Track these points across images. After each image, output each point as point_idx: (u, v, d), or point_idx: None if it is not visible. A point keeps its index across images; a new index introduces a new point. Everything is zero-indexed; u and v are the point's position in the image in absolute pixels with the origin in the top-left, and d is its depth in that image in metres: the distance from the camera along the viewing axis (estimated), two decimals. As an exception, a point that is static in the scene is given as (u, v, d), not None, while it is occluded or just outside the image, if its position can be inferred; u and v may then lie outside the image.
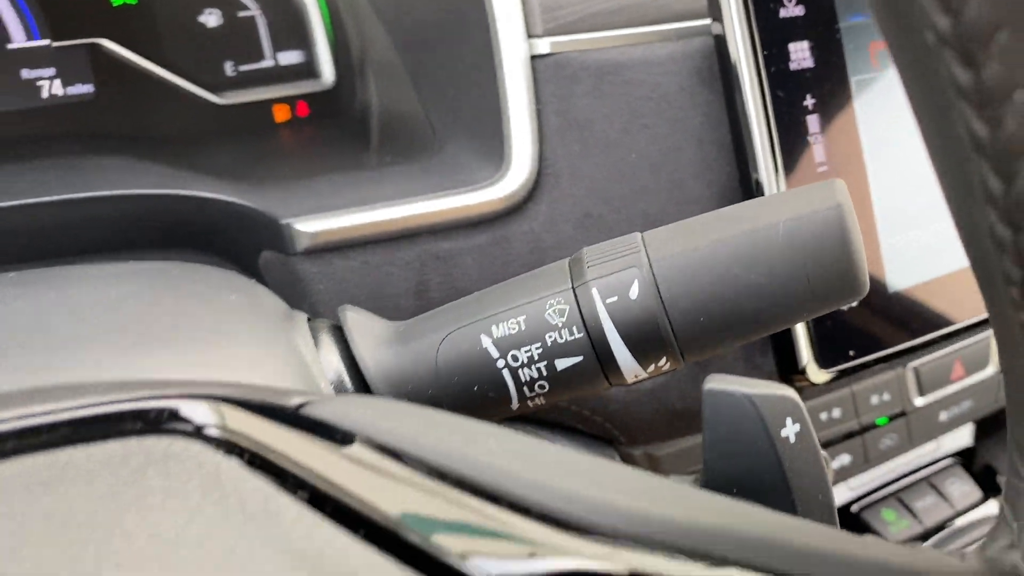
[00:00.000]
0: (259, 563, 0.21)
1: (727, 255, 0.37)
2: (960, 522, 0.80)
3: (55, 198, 0.53)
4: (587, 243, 0.42)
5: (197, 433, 0.26)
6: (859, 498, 0.79)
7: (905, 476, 0.82)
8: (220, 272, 0.46)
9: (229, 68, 0.71)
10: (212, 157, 0.64)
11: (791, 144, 0.60)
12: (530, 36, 0.57)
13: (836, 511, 0.33)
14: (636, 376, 0.40)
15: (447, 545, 0.22)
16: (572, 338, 0.39)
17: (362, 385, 0.41)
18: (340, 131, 0.71)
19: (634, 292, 0.38)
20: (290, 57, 0.73)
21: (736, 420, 0.31)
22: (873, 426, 0.73)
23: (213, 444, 0.25)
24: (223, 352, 0.34)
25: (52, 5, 0.64)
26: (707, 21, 0.61)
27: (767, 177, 0.59)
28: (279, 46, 0.73)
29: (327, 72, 0.74)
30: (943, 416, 0.77)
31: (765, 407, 0.31)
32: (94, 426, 0.26)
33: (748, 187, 0.60)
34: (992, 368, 0.78)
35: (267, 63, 0.73)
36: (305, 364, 0.38)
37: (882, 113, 0.63)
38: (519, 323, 0.39)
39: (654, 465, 0.63)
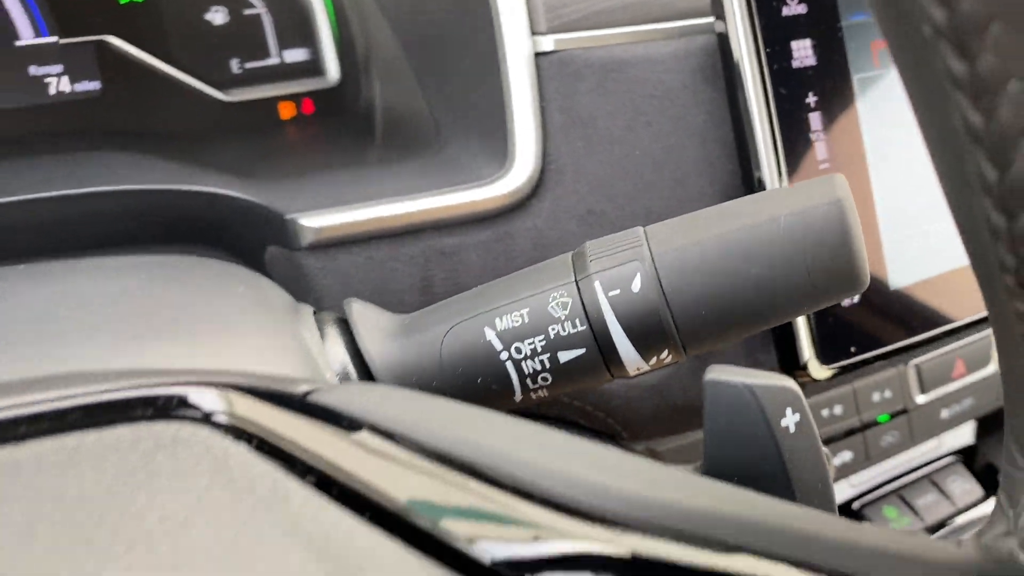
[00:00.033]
0: (268, 544, 0.22)
1: (729, 249, 0.38)
2: (961, 519, 0.81)
3: (62, 193, 0.53)
4: (590, 239, 0.43)
5: (205, 419, 0.26)
6: (860, 495, 0.79)
7: (907, 473, 0.82)
8: (227, 265, 0.46)
9: (235, 65, 0.72)
10: (218, 153, 0.65)
11: (793, 141, 0.60)
12: (534, 33, 0.58)
13: (835, 500, 0.34)
14: (638, 369, 0.40)
15: (455, 530, 0.23)
16: (575, 331, 0.39)
17: (367, 377, 0.41)
18: (345, 128, 0.72)
19: (636, 285, 0.38)
20: (295, 55, 0.74)
21: (736, 410, 0.32)
22: (874, 423, 0.73)
23: (221, 430, 0.26)
24: (230, 342, 0.34)
25: (60, 2, 0.65)
26: (710, 19, 0.61)
27: (769, 174, 0.59)
28: (285, 44, 0.73)
29: (332, 70, 0.74)
30: (944, 414, 0.78)
31: (765, 397, 0.32)
32: (104, 412, 0.26)
33: (750, 184, 0.60)
34: (993, 366, 0.78)
35: (273, 61, 0.73)
36: (311, 355, 0.38)
37: (884, 111, 0.63)
38: (522, 316, 0.40)
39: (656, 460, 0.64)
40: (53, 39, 0.66)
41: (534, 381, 0.40)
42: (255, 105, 0.72)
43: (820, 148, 0.61)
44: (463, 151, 0.62)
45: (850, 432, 0.72)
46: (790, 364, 0.62)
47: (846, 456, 0.73)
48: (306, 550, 0.22)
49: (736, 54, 0.59)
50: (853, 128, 0.62)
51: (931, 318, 0.66)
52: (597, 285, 0.39)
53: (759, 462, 0.32)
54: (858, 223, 0.37)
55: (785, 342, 0.61)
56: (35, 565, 0.21)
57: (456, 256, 0.56)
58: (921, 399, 0.75)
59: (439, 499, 0.24)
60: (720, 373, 0.32)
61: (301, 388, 0.28)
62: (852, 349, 0.62)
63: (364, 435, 0.26)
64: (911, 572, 0.25)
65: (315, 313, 0.44)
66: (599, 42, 0.59)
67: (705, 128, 0.61)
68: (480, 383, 0.40)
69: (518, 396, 0.41)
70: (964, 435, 0.85)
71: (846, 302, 0.62)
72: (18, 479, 0.23)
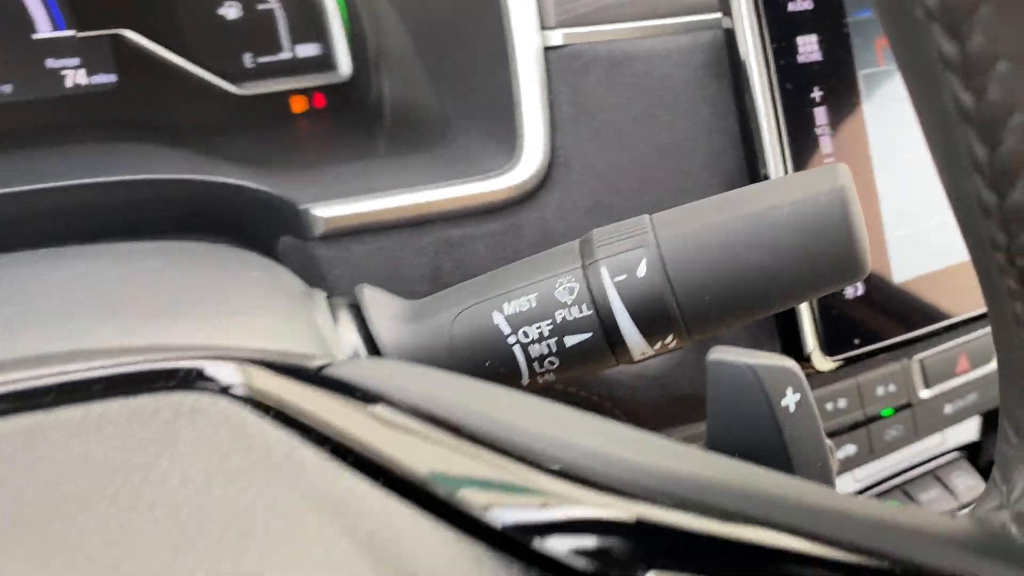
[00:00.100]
0: (285, 506, 0.23)
1: (733, 235, 0.39)
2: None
3: (77, 182, 0.54)
4: (597, 229, 0.43)
5: (223, 391, 0.27)
6: (865, 489, 0.79)
7: (910, 469, 0.83)
8: (241, 252, 0.47)
9: (248, 60, 0.73)
10: (231, 146, 0.66)
11: (799, 136, 0.61)
12: (543, 28, 0.58)
13: (834, 478, 0.34)
14: (643, 353, 0.41)
15: (472, 499, 0.24)
16: (581, 315, 0.40)
17: (378, 359, 0.42)
18: (356, 122, 0.73)
19: (642, 271, 0.39)
20: (308, 50, 0.75)
21: (738, 389, 0.33)
22: (878, 417, 0.74)
23: (239, 401, 0.27)
24: (245, 323, 0.35)
25: (77, -4, 0.66)
26: (717, 15, 0.62)
27: (775, 168, 0.60)
28: (297, 39, 0.74)
29: (344, 64, 0.75)
30: (948, 409, 0.78)
31: (766, 377, 0.32)
32: (126, 383, 0.27)
33: (755, 177, 0.61)
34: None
35: (285, 55, 0.74)
36: (323, 338, 0.39)
37: (889, 107, 0.64)
38: (530, 301, 0.41)
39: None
40: (70, 32, 0.67)
41: (541, 365, 0.41)
42: (267, 99, 0.73)
43: (825, 142, 0.62)
44: (472, 144, 0.63)
45: (854, 426, 0.73)
46: (794, 356, 0.62)
47: (850, 449, 0.73)
48: (322, 512, 0.23)
49: (742, 49, 0.60)
50: (858, 123, 0.63)
51: (935, 312, 0.67)
52: (603, 271, 0.40)
53: (760, 440, 0.33)
54: (860, 211, 0.38)
55: (789, 334, 0.62)
56: (64, 520, 0.21)
57: (465, 247, 0.57)
58: (925, 394, 0.75)
59: (457, 470, 0.25)
60: (723, 353, 0.33)
61: (316, 362, 0.29)
62: (856, 341, 0.63)
63: (380, 408, 0.27)
64: (906, 542, 0.25)
65: (328, 298, 0.45)
66: (607, 37, 0.60)
67: (711, 122, 0.62)
68: (488, 366, 0.41)
69: (525, 379, 0.42)
70: (968, 431, 0.85)
71: (850, 295, 0.62)
72: (48, 442, 0.24)
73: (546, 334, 0.40)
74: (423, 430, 0.26)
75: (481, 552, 0.23)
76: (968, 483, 0.84)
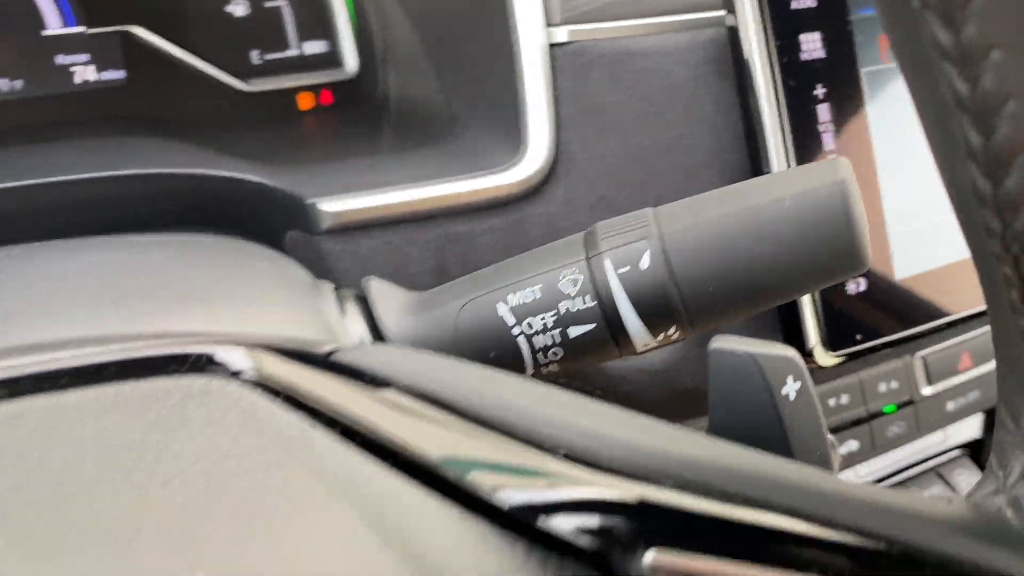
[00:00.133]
0: (295, 484, 0.23)
1: (735, 228, 0.39)
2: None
3: (86, 176, 0.55)
4: (601, 224, 0.44)
5: (233, 376, 0.28)
6: (867, 485, 0.80)
7: (913, 466, 0.83)
8: (249, 244, 0.48)
9: (255, 56, 0.73)
10: (238, 142, 0.66)
11: (801, 132, 0.61)
12: (549, 24, 0.59)
13: (832, 464, 0.35)
14: (646, 345, 0.42)
15: (482, 482, 0.24)
16: (585, 307, 0.41)
17: (384, 350, 0.42)
18: (363, 118, 0.73)
19: (645, 262, 0.40)
20: (315, 47, 0.75)
21: (739, 377, 0.33)
22: (881, 413, 0.74)
23: (248, 385, 0.27)
24: (253, 312, 0.36)
25: (87, -7, 0.67)
26: (721, 12, 0.62)
27: (778, 164, 0.60)
28: (304, 36, 0.75)
29: (351, 61, 0.76)
30: (951, 406, 0.78)
31: (767, 365, 0.33)
32: (137, 367, 0.28)
33: (758, 173, 0.62)
34: (999, 359, 0.79)
35: (292, 52, 0.75)
36: (330, 328, 0.40)
37: (891, 104, 0.64)
38: (534, 292, 0.41)
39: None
40: (80, 29, 0.68)
41: (545, 355, 0.42)
42: (275, 95, 0.73)
43: (828, 139, 0.62)
44: (478, 140, 0.63)
45: (857, 422, 0.73)
46: (796, 351, 0.63)
47: (852, 445, 0.74)
48: (331, 490, 0.23)
49: (746, 47, 0.61)
50: (860, 120, 0.63)
51: (937, 309, 0.67)
52: (607, 262, 0.40)
53: (760, 427, 0.33)
54: (861, 204, 0.39)
55: (791, 329, 0.62)
56: (81, 496, 0.22)
57: (470, 241, 0.58)
58: (927, 391, 0.75)
59: (467, 454, 0.26)
60: (724, 342, 0.34)
61: (324, 348, 0.30)
62: (858, 337, 0.63)
63: (388, 392, 0.27)
64: (903, 524, 0.26)
65: (335, 290, 0.45)
66: (612, 34, 0.60)
67: (715, 118, 0.62)
68: (493, 357, 0.42)
69: (529, 370, 0.42)
70: (971, 429, 0.86)
71: (852, 291, 0.63)
72: (64, 421, 0.24)
73: (550, 325, 0.41)
74: (431, 414, 0.27)
75: (487, 530, 0.23)
76: (970, 480, 0.84)
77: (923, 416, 0.77)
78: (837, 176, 0.39)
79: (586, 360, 0.42)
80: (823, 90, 0.62)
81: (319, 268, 0.56)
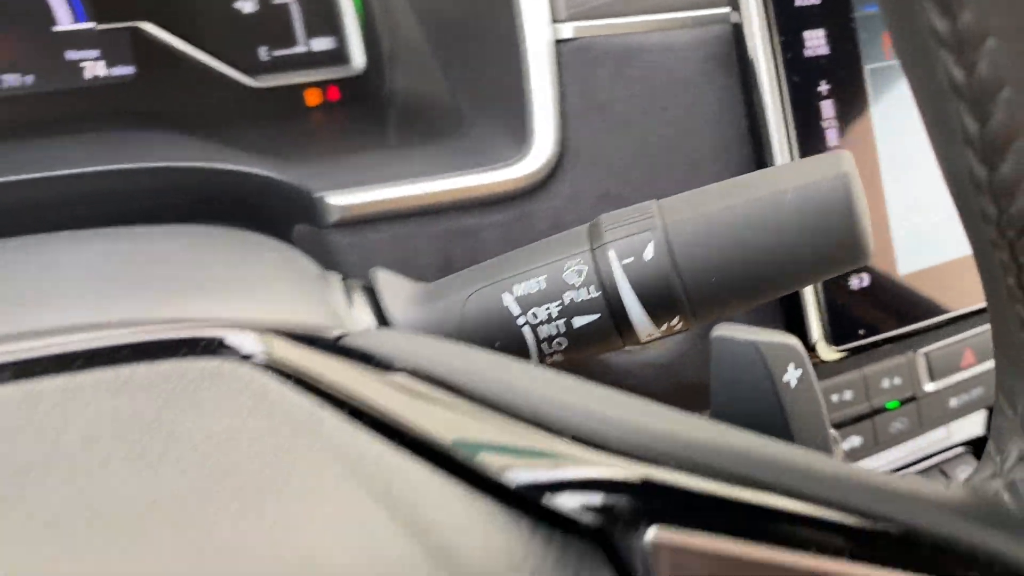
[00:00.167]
0: (305, 461, 0.24)
1: (738, 219, 0.39)
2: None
3: (95, 169, 0.56)
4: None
5: (244, 359, 0.28)
6: (870, 481, 0.80)
7: (916, 462, 0.83)
8: (257, 235, 0.48)
9: (263, 53, 0.74)
10: (246, 137, 0.67)
11: (805, 128, 0.62)
12: (555, 21, 0.59)
13: (832, 450, 0.35)
14: (649, 335, 0.42)
15: (490, 463, 0.25)
16: (589, 297, 0.41)
17: (391, 340, 0.43)
18: (370, 114, 0.74)
19: (649, 253, 0.40)
20: (322, 43, 0.76)
21: (741, 365, 0.34)
22: (883, 409, 0.74)
23: (259, 368, 0.28)
24: (262, 298, 0.36)
25: (97, -11, 0.67)
26: (726, 9, 0.63)
27: (782, 159, 0.61)
28: (312, 32, 0.75)
29: (358, 58, 0.76)
30: (953, 402, 0.79)
31: (769, 353, 0.33)
32: (150, 350, 0.28)
33: (763, 168, 0.62)
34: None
35: (300, 48, 0.75)
36: (338, 317, 0.40)
37: (894, 101, 0.65)
38: (539, 283, 0.42)
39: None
40: (90, 25, 0.68)
41: (550, 345, 0.42)
42: (282, 91, 0.74)
43: (831, 135, 0.63)
44: (484, 135, 0.64)
45: (859, 418, 0.73)
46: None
47: (855, 441, 0.74)
48: (340, 467, 0.24)
49: (750, 44, 0.61)
50: (864, 116, 0.64)
51: (939, 305, 0.67)
52: (611, 253, 0.41)
53: (762, 414, 0.34)
54: (862, 196, 0.39)
55: (794, 323, 0.63)
56: (97, 471, 0.23)
57: (476, 235, 0.58)
58: (930, 387, 0.76)
59: (476, 436, 0.26)
60: (727, 330, 0.34)
61: (333, 333, 0.30)
62: (860, 332, 0.64)
63: (397, 375, 0.28)
64: (901, 506, 0.26)
65: (342, 280, 0.46)
66: (618, 30, 0.61)
67: (719, 114, 0.63)
68: (498, 346, 0.42)
69: (534, 360, 0.43)
70: (974, 426, 0.86)
71: (855, 286, 0.63)
72: (80, 399, 0.25)
73: (555, 315, 0.41)
74: (440, 396, 0.27)
75: (493, 507, 0.24)
76: (973, 478, 0.85)
77: (926, 412, 0.77)
78: (839, 168, 0.39)
79: (590, 350, 0.43)
80: (827, 86, 0.62)
81: (326, 261, 0.56)
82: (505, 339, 0.42)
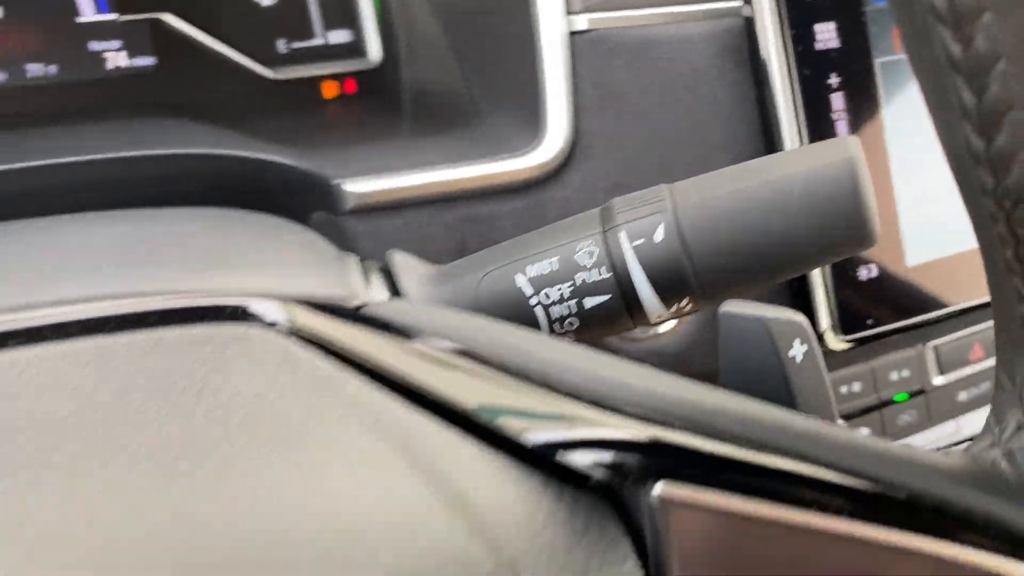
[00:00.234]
0: (328, 419, 0.25)
1: (747, 203, 0.40)
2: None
3: (117, 155, 0.57)
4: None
5: (269, 326, 0.30)
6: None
7: (925, 456, 0.84)
8: (275, 218, 0.49)
9: (282, 45, 0.75)
10: (264, 128, 0.68)
11: (816, 121, 0.63)
12: (569, 13, 0.61)
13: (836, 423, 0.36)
14: (659, 316, 0.43)
15: (510, 426, 0.26)
16: (600, 278, 0.42)
17: (407, 320, 0.44)
18: (386, 106, 0.75)
19: (659, 235, 0.41)
20: (339, 36, 0.77)
21: (748, 340, 0.35)
22: (892, 402, 0.75)
23: (283, 333, 0.29)
24: (282, 275, 0.37)
25: (120, -19, 0.69)
26: (738, 3, 0.64)
27: (791, 151, 0.62)
28: (329, 25, 0.77)
29: (374, 51, 0.78)
30: (962, 396, 0.79)
31: (775, 329, 0.34)
32: (178, 316, 0.29)
33: (773, 160, 0.63)
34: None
35: (317, 41, 0.76)
36: (357, 297, 0.41)
37: (904, 94, 0.66)
38: (552, 264, 0.43)
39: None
40: (112, 16, 0.70)
41: (561, 325, 0.43)
42: (300, 83, 0.75)
43: (841, 128, 0.63)
44: (498, 125, 0.65)
45: (868, 410, 0.74)
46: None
47: (864, 433, 0.75)
48: (362, 421, 0.25)
49: (762, 37, 0.62)
50: (874, 109, 0.65)
51: (948, 297, 0.68)
52: (622, 235, 0.42)
53: (768, 387, 0.34)
54: (868, 179, 0.40)
55: (803, 312, 0.63)
56: (132, 422, 0.24)
57: (490, 223, 0.59)
58: (939, 380, 0.76)
59: (496, 402, 0.27)
60: (734, 307, 0.35)
61: (353, 303, 0.31)
62: (869, 322, 0.64)
63: (417, 343, 0.29)
64: (903, 472, 0.27)
65: (360, 261, 0.47)
66: (631, 22, 0.62)
67: (731, 106, 0.64)
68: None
69: (547, 340, 0.44)
70: (983, 420, 0.86)
71: (863, 277, 0.64)
72: (114, 358, 0.26)
73: (567, 296, 0.42)
74: (459, 363, 0.28)
75: (508, 463, 0.25)
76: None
77: (934, 406, 0.78)
78: (846, 152, 0.40)
79: (601, 330, 0.43)
80: (837, 79, 0.63)
81: (343, 248, 0.57)
82: (518, 319, 0.43)
